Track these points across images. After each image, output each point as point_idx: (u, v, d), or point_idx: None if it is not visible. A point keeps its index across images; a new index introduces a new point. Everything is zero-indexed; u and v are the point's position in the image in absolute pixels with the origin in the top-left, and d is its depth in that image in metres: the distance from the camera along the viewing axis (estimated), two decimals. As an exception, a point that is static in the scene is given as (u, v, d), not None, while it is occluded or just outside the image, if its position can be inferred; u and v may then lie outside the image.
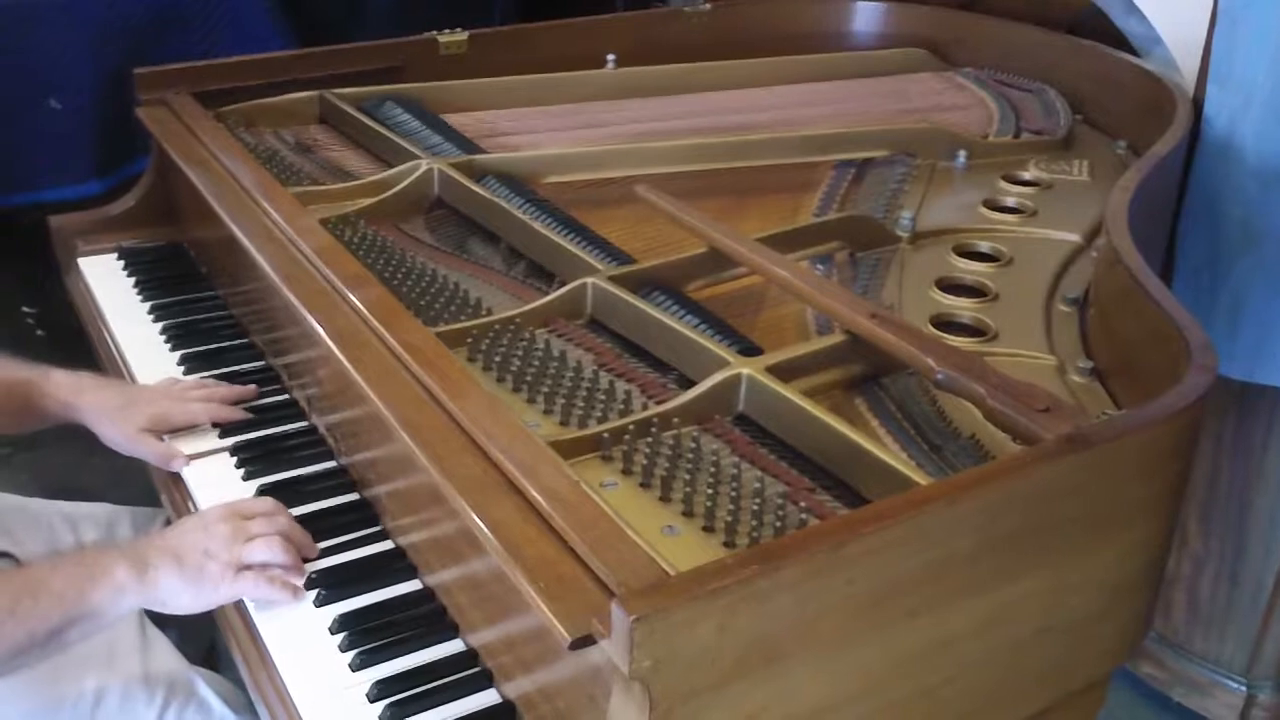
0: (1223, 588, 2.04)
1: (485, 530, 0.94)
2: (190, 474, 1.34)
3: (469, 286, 1.38)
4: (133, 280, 1.75)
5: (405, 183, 1.59)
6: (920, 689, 0.90)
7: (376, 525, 1.25)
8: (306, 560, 1.19)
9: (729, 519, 0.98)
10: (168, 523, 1.42)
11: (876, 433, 1.11)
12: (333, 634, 1.11)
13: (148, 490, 1.44)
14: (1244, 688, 2.06)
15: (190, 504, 1.32)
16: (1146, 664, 2.15)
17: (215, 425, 1.39)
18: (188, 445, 1.36)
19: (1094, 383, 1.20)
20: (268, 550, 1.14)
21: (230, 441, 1.38)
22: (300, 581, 1.15)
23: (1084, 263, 1.46)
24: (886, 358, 1.16)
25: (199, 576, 1.11)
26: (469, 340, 1.23)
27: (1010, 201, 1.62)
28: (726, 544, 0.97)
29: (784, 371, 1.13)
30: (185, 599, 1.12)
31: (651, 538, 0.94)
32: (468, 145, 1.73)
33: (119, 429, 1.35)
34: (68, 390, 1.37)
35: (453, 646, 1.10)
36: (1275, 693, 2.05)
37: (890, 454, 1.01)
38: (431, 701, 1.03)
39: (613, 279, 1.31)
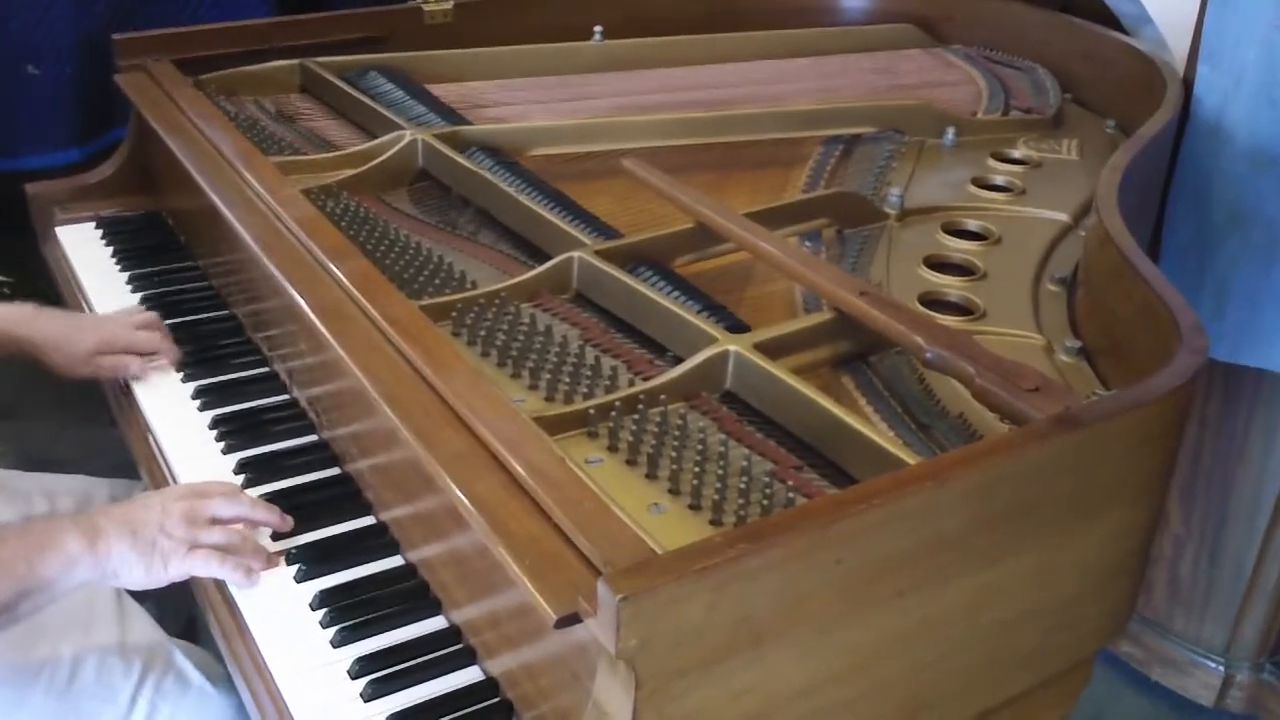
0: (1203, 568, 2.04)
1: (469, 506, 0.93)
2: (170, 447, 1.33)
3: (453, 260, 1.36)
4: (111, 250, 1.73)
5: (389, 153, 1.56)
6: (908, 668, 0.90)
7: (358, 500, 1.24)
8: (281, 535, 1.17)
9: (716, 497, 0.97)
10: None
11: (864, 411, 1.10)
12: (313, 610, 1.10)
13: (125, 462, 1.42)
14: (1222, 668, 2.07)
15: (170, 475, 1.30)
16: (1125, 643, 2.16)
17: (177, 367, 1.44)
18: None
19: (1082, 362, 1.19)
20: (224, 539, 1.12)
21: (211, 415, 1.37)
22: (259, 568, 1.13)
23: (1072, 242, 1.45)
24: (875, 336, 1.15)
25: (151, 551, 1.09)
26: (453, 314, 1.22)
27: (999, 180, 1.61)
28: (713, 522, 0.96)
29: (772, 349, 1.12)
30: (137, 573, 1.09)
31: (638, 515, 0.93)
32: (452, 116, 1.71)
33: (66, 353, 1.37)
34: (12, 322, 1.37)
35: (435, 623, 1.09)
36: (1253, 673, 2.06)
37: (878, 433, 1.01)
38: (413, 679, 1.03)
39: (599, 253, 1.29)
